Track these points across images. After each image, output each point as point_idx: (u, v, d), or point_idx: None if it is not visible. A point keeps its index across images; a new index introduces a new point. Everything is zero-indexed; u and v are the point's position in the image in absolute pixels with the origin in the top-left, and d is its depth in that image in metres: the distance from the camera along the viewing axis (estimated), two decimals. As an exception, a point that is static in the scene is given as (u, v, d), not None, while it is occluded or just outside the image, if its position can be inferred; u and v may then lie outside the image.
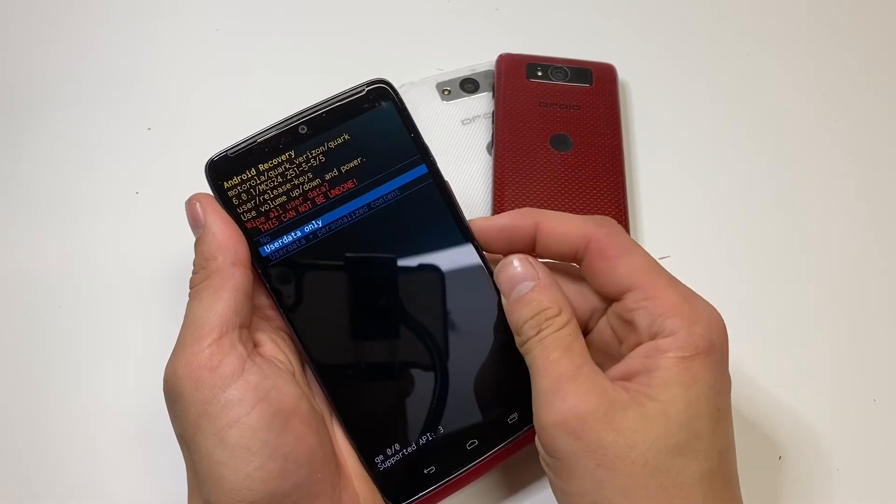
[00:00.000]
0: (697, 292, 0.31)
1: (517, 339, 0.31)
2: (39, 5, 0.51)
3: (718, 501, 0.28)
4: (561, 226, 0.32)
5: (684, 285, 0.31)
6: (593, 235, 0.31)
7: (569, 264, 0.34)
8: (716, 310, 0.30)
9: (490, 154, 0.45)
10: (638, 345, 0.30)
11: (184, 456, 0.30)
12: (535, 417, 0.29)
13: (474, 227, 0.33)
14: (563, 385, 0.29)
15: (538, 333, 0.30)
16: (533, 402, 0.30)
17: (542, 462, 0.30)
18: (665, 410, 0.28)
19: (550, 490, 0.35)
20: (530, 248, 0.33)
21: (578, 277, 0.33)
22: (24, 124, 0.46)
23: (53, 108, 0.47)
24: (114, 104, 0.48)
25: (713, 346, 0.29)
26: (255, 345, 0.30)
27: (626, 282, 0.31)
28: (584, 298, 0.33)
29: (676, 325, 0.29)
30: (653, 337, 0.30)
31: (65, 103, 0.47)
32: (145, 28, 0.51)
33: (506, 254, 0.33)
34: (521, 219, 0.33)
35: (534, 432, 0.33)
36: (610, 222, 0.32)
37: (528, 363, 0.31)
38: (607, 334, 0.32)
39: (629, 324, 0.31)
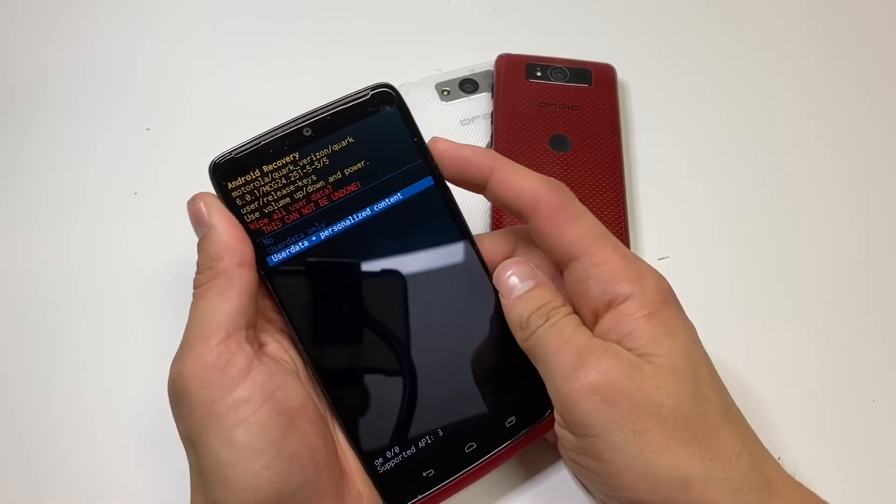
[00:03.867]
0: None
1: (521, 335, 0.31)
2: (39, 5, 0.51)
3: (743, 432, 0.30)
4: (515, 180, 0.32)
5: (628, 249, 0.32)
6: (544, 198, 0.32)
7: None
8: (654, 268, 0.32)
9: (489, 154, 0.45)
10: (595, 314, 0.31)
11: (187, 455, 0.30)
12: (560, 396, 0.29)
13: (436, 147, 0.33)
14: (584, 356, 0.29)
15: (547, 320, 0.31)
16: (554, 385, 0.30)
17: (570, 457, 0.31)
18: (671, 363, 0.29)
19: (546, 488, 0.35)
20: (480, 188, 0.33)
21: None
22: (23, 124, 0.46)
23: (52, 108, 0.47)
24: (113, 104, 0.48)
25: (668, 298, 0.31)
26: (260, 345, 0.31)
27: (574, 249, 0.31)
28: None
29: (629, 288, 0.30)
30: (608, 304, 0.30)
31: (64, 103, 0.47)
32: (144, 28, 0.51)
33: (455, 182, 0.33)
34: (480, 157, 0.33)
35: (531, 436, 0.33)
36: (562, 187, 0.32)
37: (537, 352, 0.31)
38: None
39: (581, 294, 0.31)
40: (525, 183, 0.32)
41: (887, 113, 0.51)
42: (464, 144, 0.33)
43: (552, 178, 0.33)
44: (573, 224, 0.31)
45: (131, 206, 0.44)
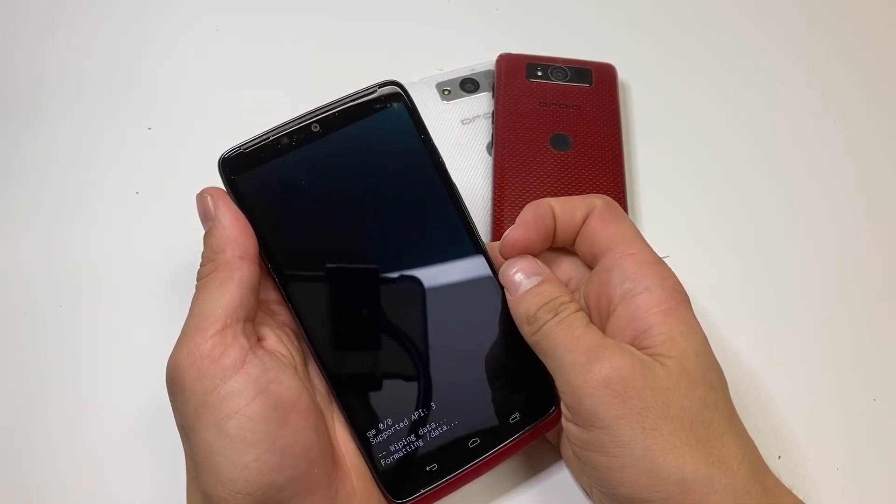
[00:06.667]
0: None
1: (528, 329, 0.32)
2: (40, 6, 0.51)
3: (745, 441, 0.30)
4: (565, 213, 0.34)
5: (657, 253, 0.33)
6: (598, 205, 0.34)
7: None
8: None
9: (490, 154, 0.45)
10: (609, 303, 0.31)
11: (184, 447, 0.30)
12: (570, 388, 0.30)
13: (509, 243, 0.33)
14: (597, 352, 0.30)
15: (556, 315, 0.31)
16: (564, 377, 0.30)
17: (573, 451, 0.31)
18: (684, 366, 0.29)
19: (546, 488, 0.35)
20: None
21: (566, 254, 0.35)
22: (24, 124, 0.46)
23: (54, 108, 0.47)
24: (114, 104, 0.48)
25: (686, 298, 0.31)
26: (259, 338, 0.31)
27: (610, 242, 0.32)
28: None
29: (649, 282, 0.31)
30: (625, 294, 0.31)
31: (65, 103, 0.47)
32: (145, 28, 0.51)
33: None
34: (541, 220, 0.33)
35: (535, 433, 0.34)
36: (608, 198, 0.34)
37: (546, 346, 0.31)
38: None
39: (603, 284, 0.32)
40: (582, 203, 0.34)
41: (887, 113, 0.51)
42: (521, 223, 0.33)
43: (594, 195, 0.35)
44: (616, 223, 0.33)
45: (133, 206, 0.44)
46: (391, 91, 0.33)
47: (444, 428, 0.32)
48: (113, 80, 0.49)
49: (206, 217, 0.31)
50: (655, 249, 0.33)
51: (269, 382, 0.29)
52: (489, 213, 0.43)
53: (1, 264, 0.42)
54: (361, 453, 0.32)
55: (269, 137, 0.31)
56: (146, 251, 0.42)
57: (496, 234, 0.42)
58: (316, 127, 0.32)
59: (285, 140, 0.31)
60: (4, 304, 0.40)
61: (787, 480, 0.30)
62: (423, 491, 0.32)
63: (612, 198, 0.43)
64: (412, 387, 0.32)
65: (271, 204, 0.32)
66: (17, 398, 0.38)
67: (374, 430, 0.32)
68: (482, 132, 0.46)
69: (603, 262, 0.33)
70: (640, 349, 0.30)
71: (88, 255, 0.42)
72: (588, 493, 0.34)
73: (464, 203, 0.34)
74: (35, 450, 0.36)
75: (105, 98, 0.48)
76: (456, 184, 0.34)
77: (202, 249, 0.31)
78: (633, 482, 0.28)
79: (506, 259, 0.33)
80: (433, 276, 0.33)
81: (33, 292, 0.41)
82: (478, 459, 0.33)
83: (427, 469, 0.32)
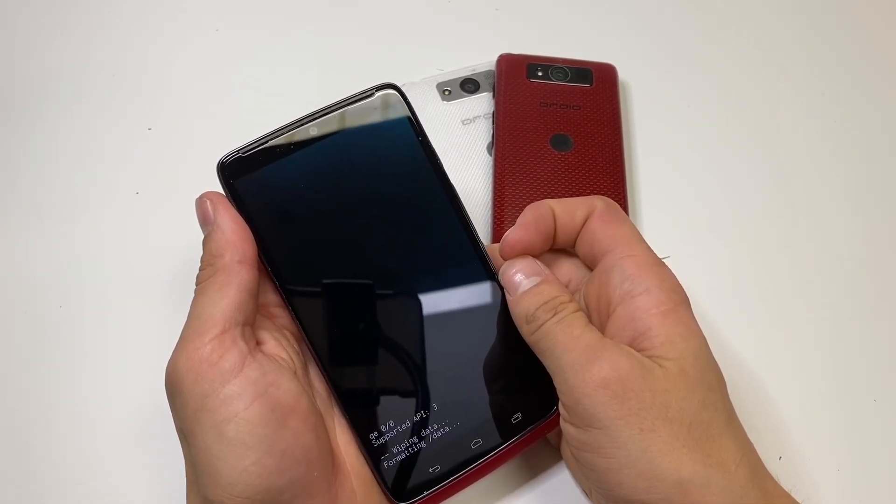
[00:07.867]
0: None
1: (527, 328, 0.32)
2: (40, 6, 0.51)
3: (744, 443, 0.30)
4: (578, 209, 0.34)
5: (657, 255, 0.33)
6: (598, 206, 0.34)
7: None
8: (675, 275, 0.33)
9: (490, 154, 0.45)
10: (608, 305, 0.31)
11: (183, 451, 0.30)
12: (569, 388, 0.30)
13: (508, 244, 0.33)
14: (596, 352, 0.30)
15: (555, 315, 0.31)
16: (562, 377, 0.30)
17: (571, 453, 0.31)
18: (682, 368, 0.29)
19: (547, 489, 0.35)
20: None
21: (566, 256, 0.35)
22: (24, 124, 0.46)
23: (54, 108, 0.47)
24: (114, 104, 0.48)
25: (685, 300, 0.31)
26: (258, 342, 0.31)
27: (610, 243, 0.32)
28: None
29: (649, 283, 0.31)
30: (624, 295, 0.31)
31: (65, 104, 0.47)
32: (145, 28, 0.51)
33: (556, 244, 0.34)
34: (541, 222, 0.33)
35: (537, 433, 0.34)
36: (609, 199, 0.34)
37: (544, 345, 0.31)
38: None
39: (603, 285, 0.32)
40: (582, 204, 0.34)
41: (887, 113, 0.51)
42: (521, 224, 0.33)
43: (595, 196, 0.35)
44: (616, 224, 0.33)
45: (133, 206, 0.44)
46: (389, 94, 0.33)
47: (447, 429, 0.32)
48: (113, 80, 0.49)
49: (205, 221, 0.31)
50: (655, 250, 0.33)
51: (267, 386, 0.29)
52: (489, 213, 0.43)
53: (1, 264, 0.41)
54: (364, 455, 0.32)
55: (266, 141, 0.31)
56: (146, 251, 0.42)
57: (496, 234, 0.42)
58: (314, 130, 0.32)
59: (283, 144, 0.31)
60: (4, 304, 0.40)
61: (788, 481, 0.30)
62: (426, 493, 0.32)
63: (613, 198, 0.43)
64: (414, 388, 0.32)
65: (270, 207, 0.32)
66: (17, 398, 0.38)
67: (376, 433, 0.32)
68: (482, 132, 0.46)
69: (603, 264, 0.33)
70: (638, 350, 0.30)
71: (89, 256, 0.42)
72: (587, 495, 0.35)
73: (462, 205, 0.34)
74: (35, 450, 0.36)
75: (105, 98, 0.48)
76: (455, 185, 0.34)
77: (201, 253, 0.31)
78: (631, 483, 0.28)
79: (506, 260, 0.33)
80: (433, 278, 0.33)
81: (33, 292, 0.41)
82: (481, 460, 0.33)
83: (430, 470, 0.32)
